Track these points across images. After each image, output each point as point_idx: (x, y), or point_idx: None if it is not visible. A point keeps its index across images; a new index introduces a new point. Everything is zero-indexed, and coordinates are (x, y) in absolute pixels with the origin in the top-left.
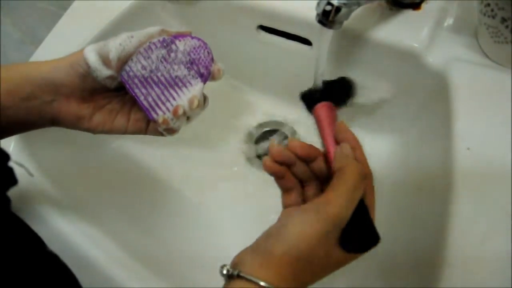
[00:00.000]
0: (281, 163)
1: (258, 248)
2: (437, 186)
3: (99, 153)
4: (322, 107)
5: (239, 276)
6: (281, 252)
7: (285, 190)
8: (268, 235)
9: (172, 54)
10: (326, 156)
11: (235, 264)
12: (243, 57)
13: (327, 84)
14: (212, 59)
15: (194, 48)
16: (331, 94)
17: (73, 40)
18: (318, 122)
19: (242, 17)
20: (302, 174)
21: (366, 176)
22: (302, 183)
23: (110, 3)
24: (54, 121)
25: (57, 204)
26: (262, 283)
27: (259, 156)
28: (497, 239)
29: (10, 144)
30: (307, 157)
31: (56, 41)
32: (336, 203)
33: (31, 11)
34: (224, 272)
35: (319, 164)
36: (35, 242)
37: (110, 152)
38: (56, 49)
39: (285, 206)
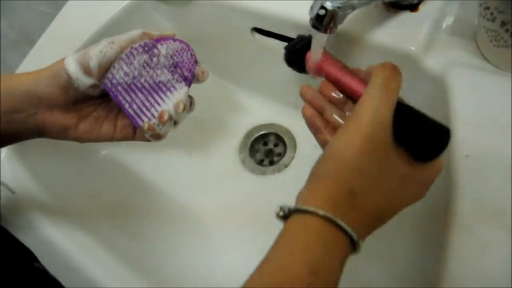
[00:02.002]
0: (316, 106)
1: (308, 178)
2: (436, 194)
3: (90, 159)
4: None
5: (292, 212)
6: (327, 169)
7: (317, 131)
8: (318, 161)
9: (155, 59)
10: (354, 93)
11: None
12: (237, 60)
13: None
14: (196, 61)
15: (177, 51)
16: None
17: (66, 41)
18: (328, 73)
19: (236, 19)
20: (337, 121)
21: (397, 70)
22: None
23: (103, 5)
24: (40, 133)
25: (48, 212)
26: (312, 209)
27: (254, 160)
28: (498, 248)
29: (1, 153)
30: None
31: (50, 42)
32: (368, 100)
33: (27, 12)
34: (280, 213)
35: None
36: (23, 257)
37: (101, 158)
38: (50, 50)
39: (324, 145)
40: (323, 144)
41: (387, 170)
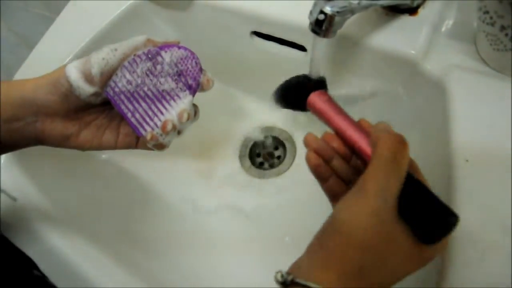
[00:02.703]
0: (321, 156)
1: (313, 248)
2: None
3: (90, 165)
4: (319, 97)
5: (293, 283)
6: (335, 245)
7: (322, 180)
8: (322, 232)
9: (158, 67)
10: (358, 149)
11: (291, 270)
12: (237, 63)
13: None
14: (201, 70)
15: (181, 58)
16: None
17: (66, 44)
18: (328, 118)
19: (235, 23)
20: (343, 172)
21: (405, 144)
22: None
23: (102, 8)
24: (39, 141)
25: (49, 218)
26: (314, 286)
27: (254, 164)
28: (498, 254)
29: (1, 159)
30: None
31: (49, 45)
32: (374, 175)
33: (26, 15)
34: (279, 278)
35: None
36: (21, 265)
37: (102, 163)
38: (50, 53)
39: (330, 195)
40: (328, 192)
41: (394, 246)
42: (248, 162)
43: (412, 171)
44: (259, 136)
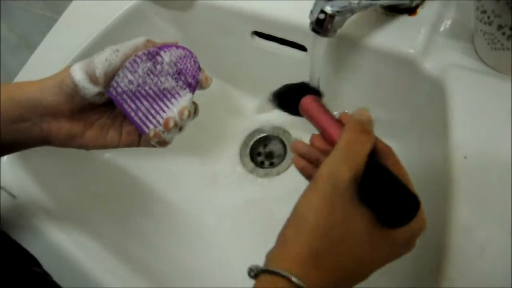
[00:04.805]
0: (307, 158)
1: (278, 237)
2: (435, 195)
3: (92, 162)
4: (310, 100)
5: (263, 271)
6: (291, 231)
7: (310, 179)
8: (286, 221)
9: (158, 66)
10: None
11: (265, 262)
12: (238, 63)
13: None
14: (199, 68)
15: (180, 58)
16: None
17: (68, 45)
18: (314, 117)
19: (236, 23)
20: None
21: (365, 132)
22: None
23: (104, 9)
24: (45, 141)
25: (50, 215)
26: (277, 271)
27: (255, 162)
28: (497, 248)
29: (3, 157)
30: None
31: (51, 46)
32: (328, 161)
33: (27, 16)
34: (251, 273)
35: None
36: (22, 262)
37: (103, 161)
38: (51, 55)
39: None
40: None
41: (350, 229)
42: (248, 161)
43: (384, 157)
44: (259, 135)
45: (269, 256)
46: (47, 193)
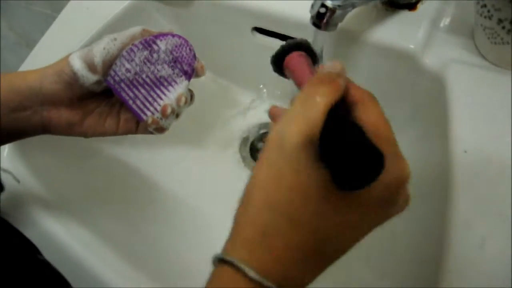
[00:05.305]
0: None
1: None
2: (434, 189)
3: (91, 155)
4: (294, 55)
5: (219, 261)
6: (240, 214)
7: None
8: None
9: (155, 55)
10: None
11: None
12: (238, 59)
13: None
14: (195, 56)
15: (176, 46)
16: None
17: (67, 42)
18: (295, 73)
19: (237, 19)
20: None
21: (331, 80)
22: None
23: (104, 5)
24: (45, 130)
25: (50, 207)
26: (228, 259)
27: (254, 157)
28: (497, 242)
29: (4, 149)
30: None
31: (50, 44)
32: (277, 123)
33: (27, 14)
34: (215, 262)
35: None
36: (26, 250)
37: (103, 154)
38: (50, 52)
39: None
40: None
41: (304, 200)
42: (249, 157)
43: (359, 109)
44: (259, 131)
45: (226, 245)
46: (46, 185)
